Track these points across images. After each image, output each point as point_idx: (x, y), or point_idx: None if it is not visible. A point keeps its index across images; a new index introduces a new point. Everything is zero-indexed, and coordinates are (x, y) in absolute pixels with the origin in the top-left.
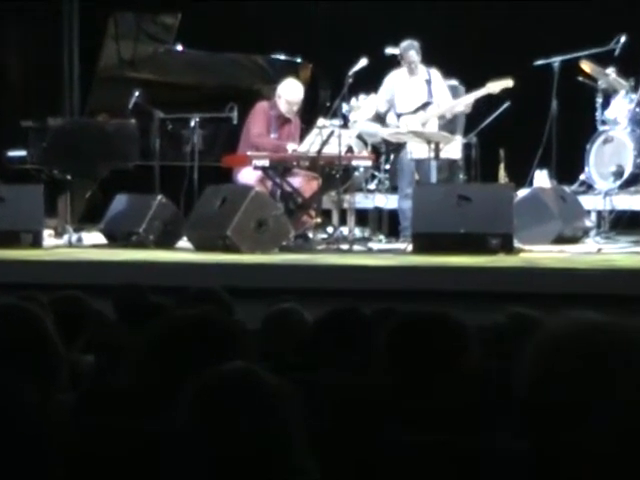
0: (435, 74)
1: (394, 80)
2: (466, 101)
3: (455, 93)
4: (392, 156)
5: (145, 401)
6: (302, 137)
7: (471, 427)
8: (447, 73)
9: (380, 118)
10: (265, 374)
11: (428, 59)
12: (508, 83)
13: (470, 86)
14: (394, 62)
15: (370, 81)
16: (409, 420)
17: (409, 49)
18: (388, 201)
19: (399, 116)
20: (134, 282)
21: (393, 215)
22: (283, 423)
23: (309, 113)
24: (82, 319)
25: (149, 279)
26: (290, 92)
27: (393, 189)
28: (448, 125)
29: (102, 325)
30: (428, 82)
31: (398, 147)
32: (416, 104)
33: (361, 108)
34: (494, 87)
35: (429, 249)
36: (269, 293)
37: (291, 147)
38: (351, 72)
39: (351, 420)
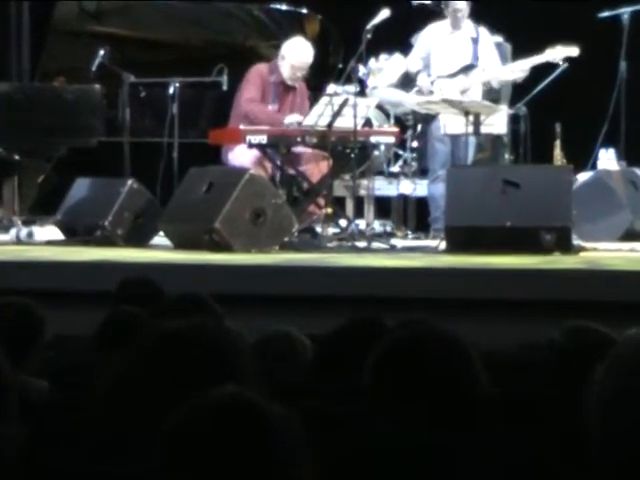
0: (484, 33)
1: (432, 34)
2: (519, 69)
3: (500, 52)
4: (420, 130)
5: (115, 438)
6: (309, 107)
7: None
8: (489, 27)
9: (407, 81)
10: (264, 402)
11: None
12: (573, 51)
13: (519, 44)
14: (424, 14)
15: (393, 37)
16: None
17: None
18: (416, 187)
19: (433, 80)
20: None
21: (422, 204)
22: (284, 461)
23: (317, 77)
24: (33, 333)
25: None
26: (296, 54)
27: (422, 172)
28: (491, 92)
29: (60, 342)
30: (475, 41)
31: (428, 119)
32: (457, 66)
33: (382, 71)
34: (554, 54)
35: (466, 247)
36: (268, 301)
37: (291, 119)
38: (369, 26)
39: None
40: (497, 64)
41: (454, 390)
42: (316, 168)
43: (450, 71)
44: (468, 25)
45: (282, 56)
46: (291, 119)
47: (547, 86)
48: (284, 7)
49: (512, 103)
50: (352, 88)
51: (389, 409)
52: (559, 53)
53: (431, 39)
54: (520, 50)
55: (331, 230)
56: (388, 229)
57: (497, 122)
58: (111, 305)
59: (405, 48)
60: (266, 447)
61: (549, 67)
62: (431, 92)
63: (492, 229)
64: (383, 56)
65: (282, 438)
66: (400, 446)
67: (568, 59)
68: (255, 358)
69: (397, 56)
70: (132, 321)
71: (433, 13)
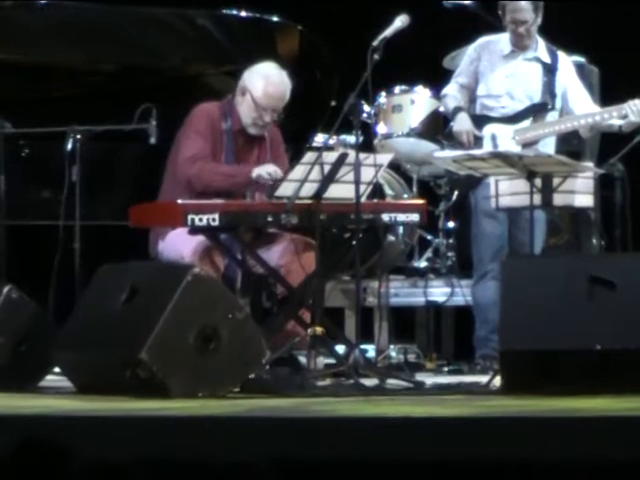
0: (565, 60)
1: (483, 52)
2: (631, 112)
3: (582, 78)
4: (459, 201)
5: None
6: (287, 165)
7: None
8: (561, 43)
9: (438, 126)
10: None
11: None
12: None
13: (607, 67)
14: (462, 22)
15: (414, 59)
16: None
17: None
18: (454, 291)
19: (478, 120)
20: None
21: (463, 318)
22: None
23: (298, 121)
24: None
25: None
26: (264, 86)
27: (462, 267)
28: (569, 142)
29: None
30: (550, 70)
31: (471, 185)
32: (519, 104)
33: (399, 110)
34: None
35: (534, 384)
36: (224, 471)
37: (260, 172)
38: (378, 40)
39: None
40: (589, 104)
41: None
42: (297, 263)
43: (507, 110)
44: (540, 46)
45: (242, 89)
46: (261, 171)
47: None
48: (244, 13)
49: (601, 159)
50: (352, 138)
51: None
52: None
53: (481, 60)
54: (610, 78)
55: (322, 360)
56: (411, 357)
57: (579, 188)
58: None
59: (432, 76)
60: None
61: None
62: (476, 140)
63: (574, 355)
64: (399, 87)
65: None
66: None
67: None
68: None
69: (421, 89)
70: None
71: (480, 22)
